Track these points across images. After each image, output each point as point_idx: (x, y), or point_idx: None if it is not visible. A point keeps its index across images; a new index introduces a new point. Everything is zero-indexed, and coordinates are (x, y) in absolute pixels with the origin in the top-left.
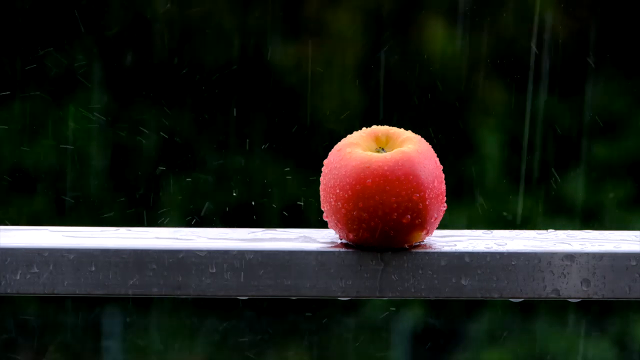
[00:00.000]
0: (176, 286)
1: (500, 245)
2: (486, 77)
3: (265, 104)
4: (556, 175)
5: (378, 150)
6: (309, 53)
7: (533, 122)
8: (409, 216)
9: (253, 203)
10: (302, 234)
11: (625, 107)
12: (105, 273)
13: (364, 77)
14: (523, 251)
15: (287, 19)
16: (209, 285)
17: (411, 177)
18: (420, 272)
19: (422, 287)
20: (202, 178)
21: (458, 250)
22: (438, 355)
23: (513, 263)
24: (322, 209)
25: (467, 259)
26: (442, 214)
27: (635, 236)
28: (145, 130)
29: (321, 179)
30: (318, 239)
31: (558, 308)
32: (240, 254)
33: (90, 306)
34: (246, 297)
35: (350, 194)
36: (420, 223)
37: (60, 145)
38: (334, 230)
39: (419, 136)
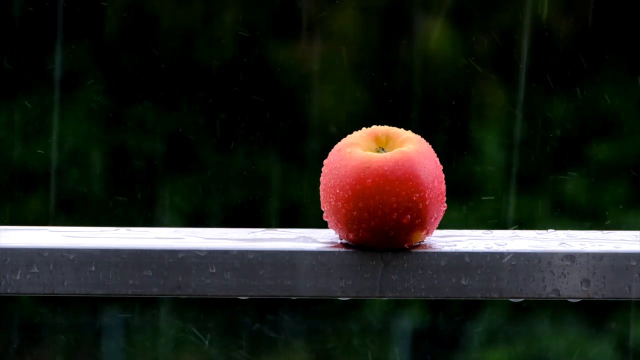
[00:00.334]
0: (176, 286)
1: (500, 245)
2: (486, 77)
3: (265, 104)
4: (556, 175)
5: (378, 150)
6: (309, 53)
7: (533, 122)
8: (409, 216)
9: (253, 203)
10: (302, 234)
11: (626, 107)
12: (105, 273)
13: (364, 77)
14: (523, 251)
15: (287, 19)
16: (209, 285)
17: (411, 177)
18: (420, 272)
19: (422, 287)
20: (202, 178)
21: (458, 250)
22: (438, 355)
23: (513, 263)
24: (322, 209)
25: (467, 259)
26: (442, 214)
27: (635, 236)
28: (145, 131)
29: (321, 179)
30: (318, 239)
31: (558, 308)
32: (240, 254)
33: (90, 306)
34: (246, 297)
35: (350, 194)
36: (420, 223)
37: (61, 145)
38: (334, 230)
39: (419, 136)
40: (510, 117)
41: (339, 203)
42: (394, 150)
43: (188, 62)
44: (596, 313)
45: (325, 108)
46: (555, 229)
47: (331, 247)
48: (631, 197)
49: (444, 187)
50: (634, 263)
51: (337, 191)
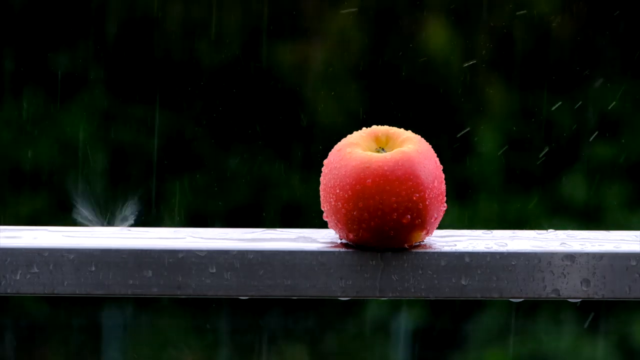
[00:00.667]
0: (176, 286)
1: (500, 245)
2: (486, 77)
3: (265, 104)
4: (556, 175)
5: (378, 150)
6: (309, 53)
7: (533, 122)
8: (409, 216)
9: (253, 203)
10: (302, 234)
11: (626, 107)
12: (105, 273)
13: (364, 77)
14: (523, 251)
15: (287, 19)
16: (209, 285)
17: (411, 177)
18: (420, 272)
19: (422, 287)
20: (202, 178)
21: (458, 250)
22: (438, 355)
23: (513, 263)
24: (322, 209)
25: (467, 259)
26: (442, 214)
27: (635, 236)
28: (145, 131)
29: (321, 179)
30: (318, 239)
31: (558, 308)
32: (240, 254)
33: (90, 306)
34: (246, 297)
35: (350, 194)
36: (420, 223)
37: (61, 145)
38: (334, 230)
39: (419, 136)
40: (510, 116)
41: (339, 203)
42: (394, 150)
43: (188, 62)
44: (596, 313)
45: (326, 108)
46: (555, 229)
47: (331, 247)
48: (631, 197)
49: (444, 187)
50: (634, 263)
51: (337, 191)
